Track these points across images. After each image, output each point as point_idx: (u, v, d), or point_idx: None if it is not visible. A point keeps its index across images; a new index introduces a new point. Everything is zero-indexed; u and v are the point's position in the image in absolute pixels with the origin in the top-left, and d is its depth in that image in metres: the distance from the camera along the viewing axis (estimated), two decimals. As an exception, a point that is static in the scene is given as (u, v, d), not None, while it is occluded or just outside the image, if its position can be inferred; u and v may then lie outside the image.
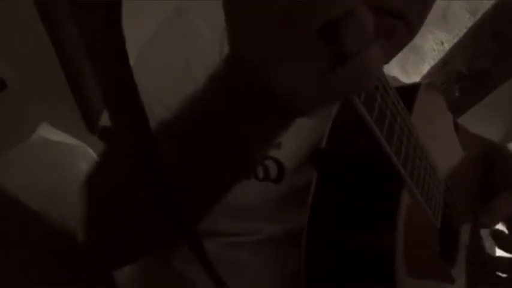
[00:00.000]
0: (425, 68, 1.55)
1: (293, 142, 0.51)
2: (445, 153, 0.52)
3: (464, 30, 1.41)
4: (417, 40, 1.50)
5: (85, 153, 1.34)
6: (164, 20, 0.55)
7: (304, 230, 0.44)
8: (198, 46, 0.52)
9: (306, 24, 0.24)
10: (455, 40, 1.44)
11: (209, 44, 0.51)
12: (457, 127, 0.64)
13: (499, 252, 0.58)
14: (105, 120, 0.51)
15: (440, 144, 0.49)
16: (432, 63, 1.53)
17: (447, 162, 0.53)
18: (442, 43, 1.47)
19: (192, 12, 0.54)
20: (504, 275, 0.56)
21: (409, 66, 1.55)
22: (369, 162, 0.44)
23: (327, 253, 0.44)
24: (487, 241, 0.61)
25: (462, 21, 1.41)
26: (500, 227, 0.60)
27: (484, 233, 0.63)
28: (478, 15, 1.36)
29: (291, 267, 0.50)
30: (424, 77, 1.56)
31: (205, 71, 0.51)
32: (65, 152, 1.31)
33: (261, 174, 0.51)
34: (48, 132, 1.33)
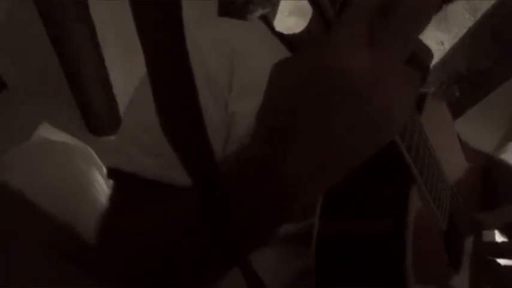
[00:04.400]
0: (425, 68, 1.55)
1: None
2: (449, 162, 0.52)
3: (464, 30, 1.41)
4: (417, 40, 1.51)
5: (85, 153, 1.33)
6: None
7: (313, 230, 0.45)
8: (200, 66, 0.51)
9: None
10: (455, 40, 1.45)
11: (214, 70, 0.51)
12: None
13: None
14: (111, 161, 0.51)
15: (445, 153, 0.50)
16: (432, 63, 1.53)
17: (452, 171, 0.53)
18: (442, 43, 1.47)
19: (196, 34, 0.54)
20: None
21: (409, 66, 1.55)
22: (378, 163, 0.44)
23: (337, 253, 0.44)
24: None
25: (462, 21, 1.41)
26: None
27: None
28: (478, 15, 1.37)
29: (300, 266, 0.49)
30: (424, 77, 1.56)
31: (209, 92, 0.51)
32: (65, 152, 1.31)
33: None
34: (48, 132, 1.33)
